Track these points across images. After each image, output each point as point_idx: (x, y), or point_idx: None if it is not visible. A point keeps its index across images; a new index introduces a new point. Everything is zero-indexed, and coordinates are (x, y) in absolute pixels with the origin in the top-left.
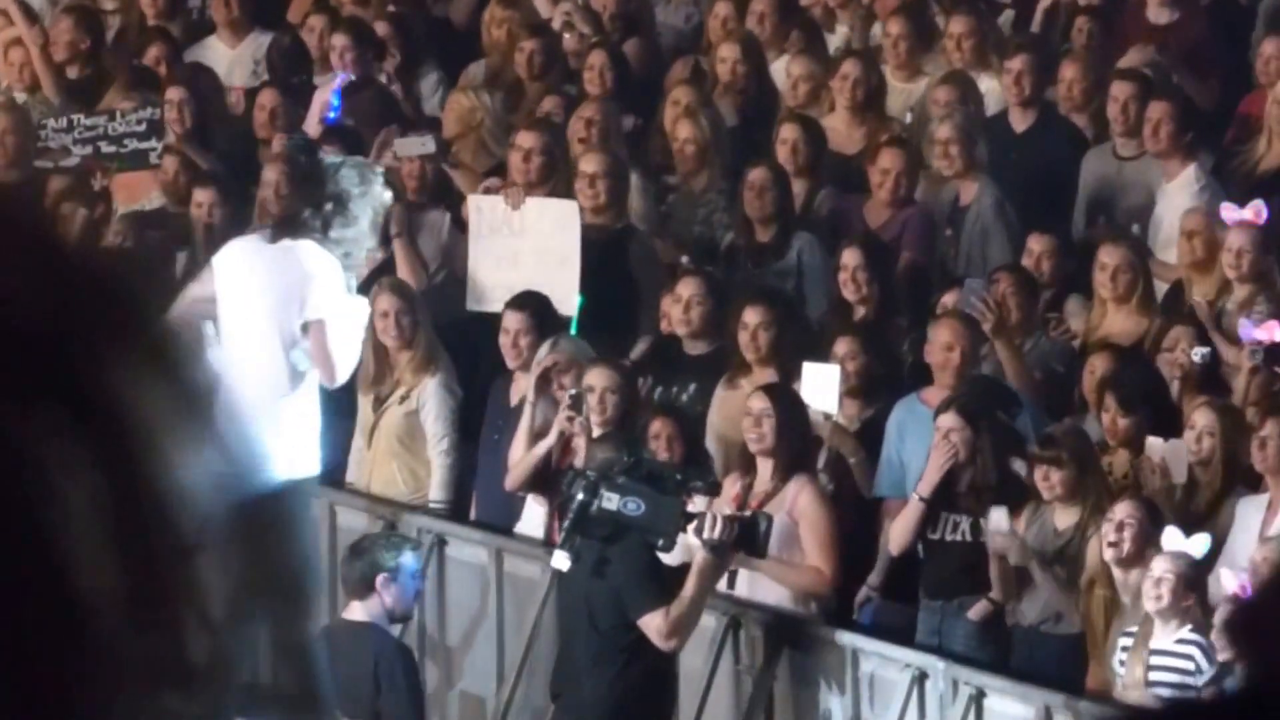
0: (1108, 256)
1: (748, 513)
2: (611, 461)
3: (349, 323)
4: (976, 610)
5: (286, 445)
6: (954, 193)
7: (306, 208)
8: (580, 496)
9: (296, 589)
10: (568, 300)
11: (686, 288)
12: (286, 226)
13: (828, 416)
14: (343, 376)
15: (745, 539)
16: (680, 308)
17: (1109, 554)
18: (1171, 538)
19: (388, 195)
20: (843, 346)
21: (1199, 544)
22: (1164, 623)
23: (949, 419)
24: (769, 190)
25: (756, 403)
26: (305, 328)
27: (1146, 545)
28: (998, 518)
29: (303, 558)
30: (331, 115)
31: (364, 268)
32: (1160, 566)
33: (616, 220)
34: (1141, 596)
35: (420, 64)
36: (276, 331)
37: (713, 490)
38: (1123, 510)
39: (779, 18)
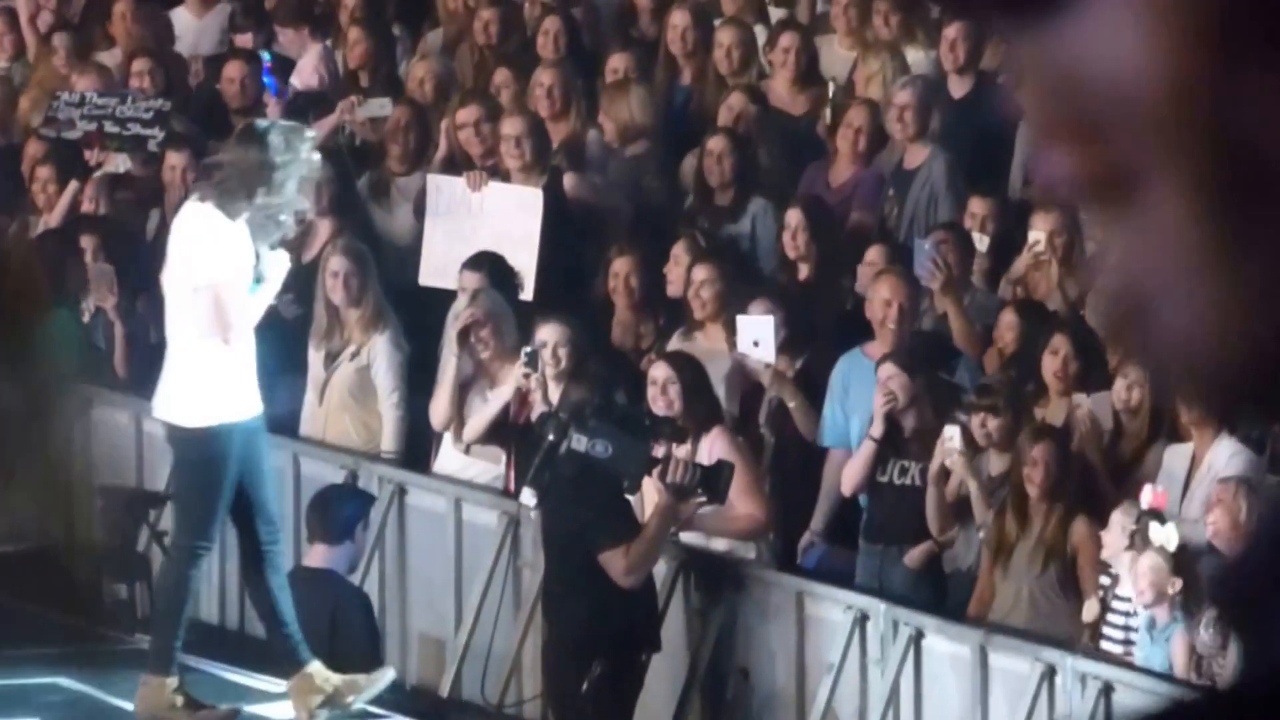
0: (1043, 223)
1: (715, 460)
2: (583, 403)
3: (244, 284)
4: (915, 555)
5: (219, 390)
6: (897, 156)
7: (234, 173)
8: (550, 437)
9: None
10: (524, 284)
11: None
12: (202, 190)
13: (768, 365)
14: (237, 335)
15: (707, 485)
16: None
17: (1033, 491)
18: (1157, 533)
19: (316, 158)
20: (771, 304)
21: (1170, 536)
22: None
23: (886, 369)
24: (728, 157)
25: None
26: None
27: (1060, 482)
28: (951, 433)
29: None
30: (274, 93)
31: (291, 230)
32: (1143, 564)
33: (541, 180)
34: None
35: (386, 31)
36: (182, 290)
37: (679, 436)
38: (1039, 452)
39: None
